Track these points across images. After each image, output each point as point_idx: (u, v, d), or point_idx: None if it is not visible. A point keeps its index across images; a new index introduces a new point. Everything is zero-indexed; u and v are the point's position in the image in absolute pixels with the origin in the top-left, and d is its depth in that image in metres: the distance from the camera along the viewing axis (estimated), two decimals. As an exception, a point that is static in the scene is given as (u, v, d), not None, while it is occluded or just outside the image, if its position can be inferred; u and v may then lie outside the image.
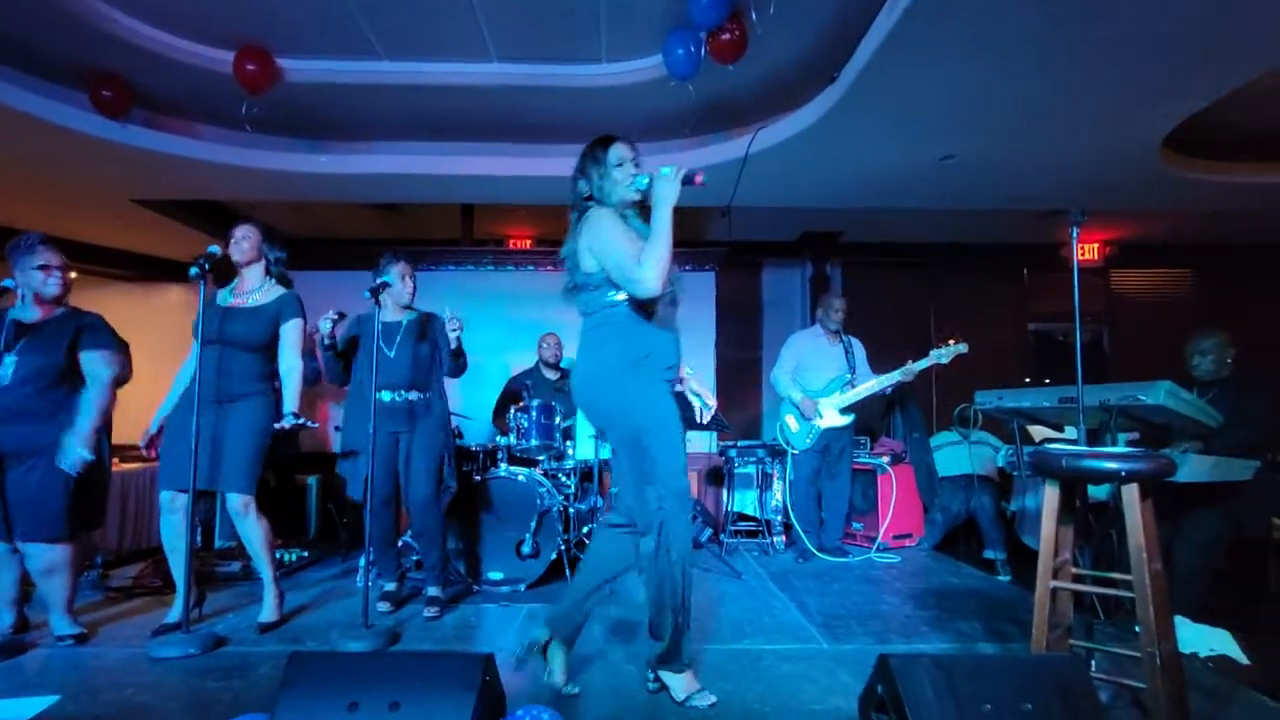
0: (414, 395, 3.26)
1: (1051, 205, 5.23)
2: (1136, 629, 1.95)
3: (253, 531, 2.96)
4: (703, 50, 3.52)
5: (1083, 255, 6.58)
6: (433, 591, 3.32)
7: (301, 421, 2.95)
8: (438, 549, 3.33)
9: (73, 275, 2.95)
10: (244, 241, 3.09)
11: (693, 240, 6.38)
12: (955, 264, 6.78)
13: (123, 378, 2.99)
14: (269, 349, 3.05)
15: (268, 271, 3.15)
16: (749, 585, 3.79)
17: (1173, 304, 6.87)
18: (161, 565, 3.76)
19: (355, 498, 3.21)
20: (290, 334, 3.06)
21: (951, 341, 4.23)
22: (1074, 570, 2.24)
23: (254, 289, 3.10)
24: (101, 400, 2.86)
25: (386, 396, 3.20)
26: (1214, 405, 2.58)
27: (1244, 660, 2.66)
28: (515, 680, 2.40)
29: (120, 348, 3.00)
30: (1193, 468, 2.61)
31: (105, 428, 2.96)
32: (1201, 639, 2.75)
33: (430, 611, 3.20)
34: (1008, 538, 4.50)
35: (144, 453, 3.01)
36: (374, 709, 1.64)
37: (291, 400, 3.00)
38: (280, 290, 3.13)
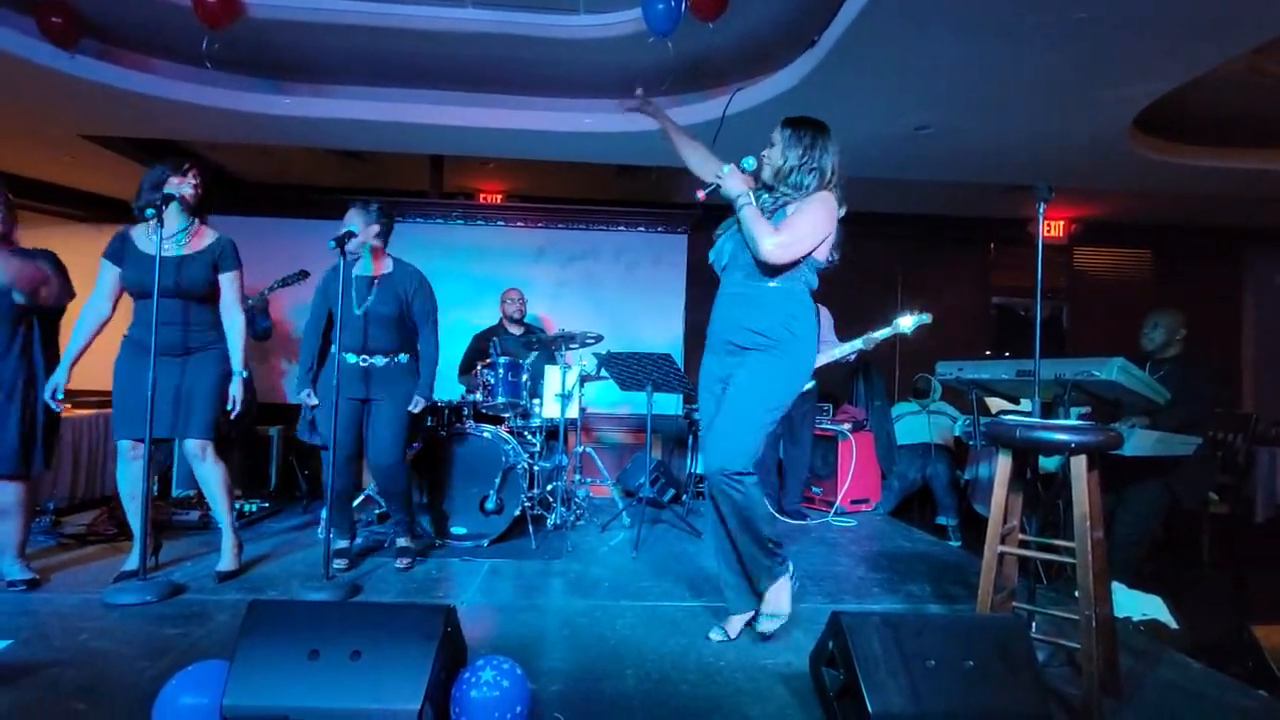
0: (379, 360, 3.16)
1: (1020, 180, 5.29)
2: (1076, 593, 2.04)
3: (210, 475, 2.92)
4: (683, 5, 3.45)
5: (1048, 232, 6.70)
6: (402, 542, 3.34)
7: (240, 408, 2.93)
8: (405, 509, 3.33)
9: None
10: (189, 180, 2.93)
11: (664, 202, 6.34)
12: (923, 236, 6.85)
13: (49, 298, 2.86)
14: (214, 294, 2.95)
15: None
16: (709, 545, 3.86)
17: (1132, 283, 7.05)
18: (117, 512, 3.70)
19: (312, 441, 3.19)
20: (231, 286, 2.96)
21: (916, 312, 4.24)
22: (1021, 537, 2.33)
23: (178, 230, 2.89)
24: None
25: (351, 359, 3.13)
26: (1163, 383, 2.67)
27: (1174, 625, 2.80)
28: (476, 632, 2.43)
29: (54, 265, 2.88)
30: (1138, 442, 2.71)
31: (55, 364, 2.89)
32: (1136, 604, 2.89)
33: (402, 562, 3.22)
34: (960, 505, 4.65)
35: (49, 404, 2.79)
36: (335, 658, 1.65)
37: (238, 357, 2.96)
38: (214, 234, 2.97)
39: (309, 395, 3.16)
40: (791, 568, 2.53)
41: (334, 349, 3.04)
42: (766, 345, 2.33)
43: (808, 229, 2.27)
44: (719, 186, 2.36)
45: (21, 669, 2.05)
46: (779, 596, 2.46)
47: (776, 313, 2.33)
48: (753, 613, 2.50)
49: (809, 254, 2.32)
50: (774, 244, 2.24)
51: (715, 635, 2.46)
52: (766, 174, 2.41)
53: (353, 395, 3.11)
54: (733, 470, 2.28)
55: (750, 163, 2.41)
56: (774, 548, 2.42)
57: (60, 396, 2.77)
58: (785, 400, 2.37)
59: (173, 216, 2.85)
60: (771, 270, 2.31)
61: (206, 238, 2.95)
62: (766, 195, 2.40)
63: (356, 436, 3.19)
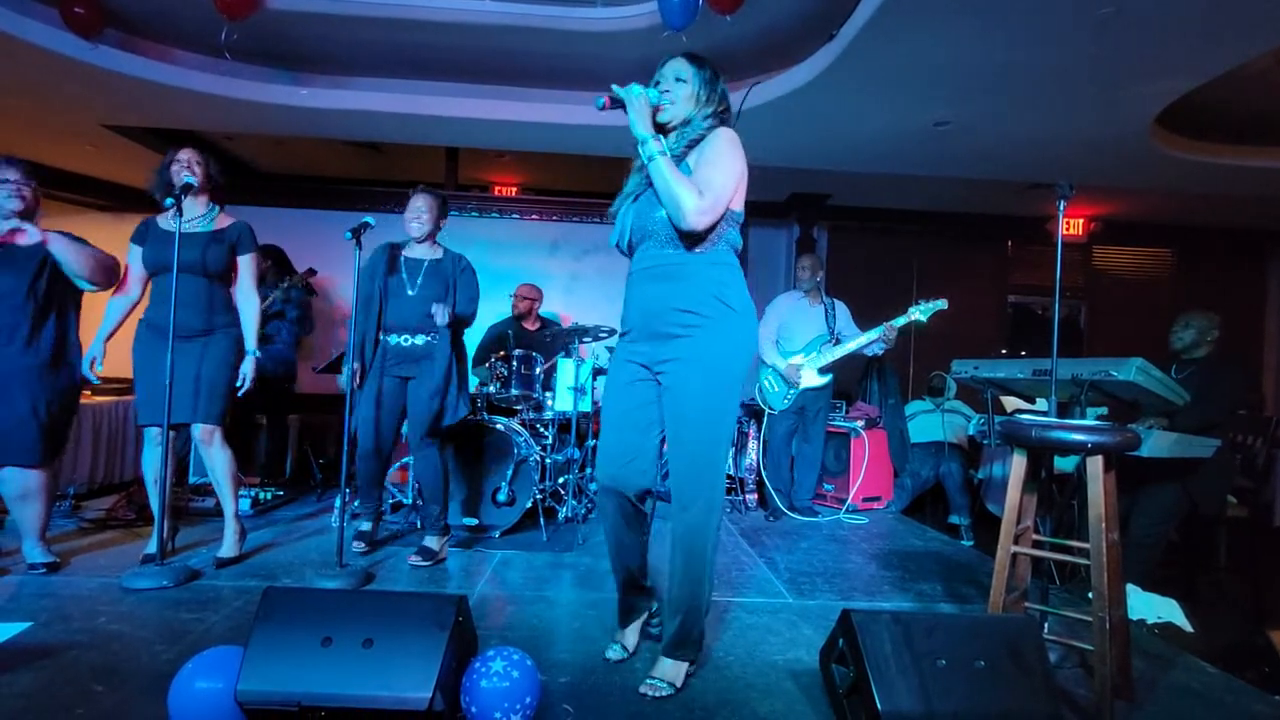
0: (420, 339, 3.18)
1: (1040, 178, 5.24)
2: (1089, 595, 2.03)
3: (216, 461, 2.95)
4: (700, -1, 3.44)
5: (1067, 230, 6.61)
6: (428, 542, 3.21)
7: (249, 384, 2.95)
8: (437, 500, 3.22)
9: (29, 191, 2.83)
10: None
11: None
12: (940, 232, 6.80)
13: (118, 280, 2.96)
14: (229, 276, 3.00)
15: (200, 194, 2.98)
16: (720, 540, 3.85)
17: (1152, 283, 6.96)
18: (135, 498, 3.77)
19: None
20: (248, 269, 3.00)
21: (931, 299, 4.19)
22: (1035, 537, 2.31)
23: (202, 214, 2.96)
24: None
25: (394, 339, 3.17)
26: (1185, 384, 2.64)
27: (1188, 628, 2.77)
28: (487, 622, 2.45)
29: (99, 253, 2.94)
30: (1156, 443, 2.68)
31: (76, 353, 2.93)
32: (1150, 607, 2.87)
33: (415, 560, 3.12)
34: (973, 504, 4.62)
35: (88, 377, 2.92)
36: (348, 645, 1.66)
37: (252, 338, 3.00)
38: (231, 218, 3.02)
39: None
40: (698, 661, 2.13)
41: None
42: (699, 324, 1.96)
43: (725, 180, 1.93)
44: (627, 105, 1.97)
45: (41, 651, 2.08)
46: (677, 671, 2.04)
47: (705, 283, 1.96)
48: (646, 614, 2.28)
49: (728, 207, 1.99)
50: (697, 210, 1.88)
51: (613, 655, 2.16)
52: (666, 117, 2.04)
53: (398, 374, 3.20)
54: (718, 495, 1.99)
55: (655, 95, 2.00)
56: (698, 638, 2.07)
57: (100, 369, 2.90)
58: (739, 386, 2.01)
59: (192, 203, 2.92)
60: (692, 237, 1.95)
61: (224, 221, 3.00)
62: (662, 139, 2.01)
63: (397, 419, 3.23)
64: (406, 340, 3.19)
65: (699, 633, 2.07)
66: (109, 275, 2.90)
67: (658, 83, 2.05)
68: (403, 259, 3.24)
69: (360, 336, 3.15)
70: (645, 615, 2.29)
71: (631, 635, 2.24)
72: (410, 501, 3.92)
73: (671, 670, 2.03)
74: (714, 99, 2.05)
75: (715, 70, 2.07)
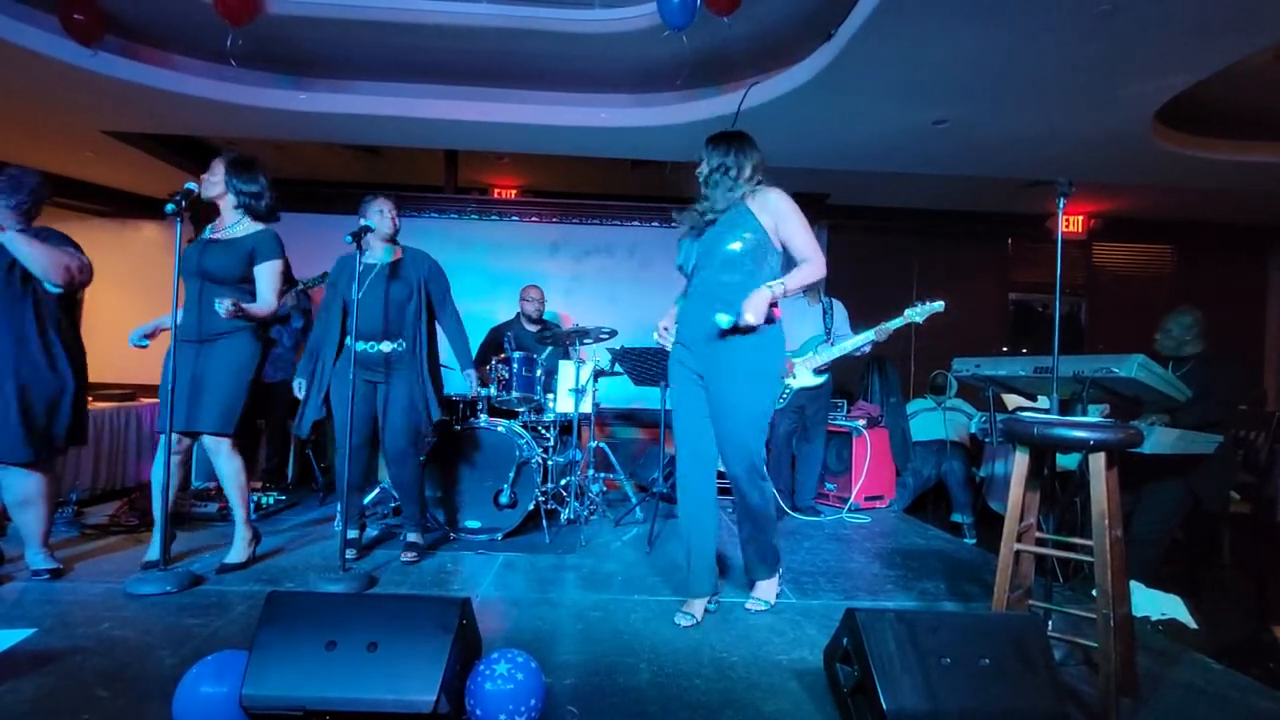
0: (387, 345, 3.14)
1: (1040, 175, 5.23)
2: (1093, 592, 2.03)
3: (225, 469, 2.94)
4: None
5: (1067, 227, 6.61)
6: (411, 537, 3.31)
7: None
8: (415, 500, 3.30)
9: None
10: (210, 175, 2.98)
11: (679, 197, 6.31)
12: (940, 231, 6.80)
13: (83, 280, 2.89)
14: (246, 285, 2.94)
15: (237, 205, 3.00)
16: (722, 541, 3.85)
17: (1152, 279, 6.95)
18: (138, 503, 3.77)
19: (300, 434, 3.18)
20: (265, 276, 2.93)
21: (927, 300, 4.15)
22: (1038, 534, 2.31)
23: (229, 224, 2.99)
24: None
25: (360, 346, 3.09)
26: (1185, 380, 2.63)
27: (1193, 625, 2.77)
28: (491, 624, 2.45)
29: (69, 244, 2.89)
30: (1158, 440, 2.68)
31: (79, 351, 2.92)
32: (1154, 603, 2.86)
33: (408, 556, 3.20)
34: (975, 502, 4.62)
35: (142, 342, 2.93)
36: (352, 649, 1.67)
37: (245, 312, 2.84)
38: (257, 226, 3.00)
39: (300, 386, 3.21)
40: (782, 569, 2.79)
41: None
42: (750, 332, 2.42)
43: (809, 233, 2.51)
44: (751, 317, 2.34)
45: (45, 657, 2.08)
46: (769, 589, 2.71)
47: None
48: (712, 595, 2.63)
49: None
50: (820, 266, 2.47)
51: (684, 621, 2.52)
52: (720, 205, 2.57)
53: (366, 378, 3.14)
54: (760, 470, 2.49)
55: (729, 320, 2.37)
56: (776, 559, 2.69)
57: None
58: (776, 381, 2.54)
59: (222, 211, 3.02)
60: (744, 263, 2.48)
61: (247, 229, 2.98)
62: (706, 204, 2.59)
63: (370, 423, 3.20)
64: (373, 347, 3.13)
65: (773, 554, 2.66)
66: (69, 276, 2.79)
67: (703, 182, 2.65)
68: (362, 264, 3.10)
69: (316, 346, 3.20)
70: (712, 593, 2.64)
71: (699, 606, 2.57)
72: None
73: (764, 589, 2.69)
74: (747, 167, 2.56)
75: (739, 139, 2.60)
